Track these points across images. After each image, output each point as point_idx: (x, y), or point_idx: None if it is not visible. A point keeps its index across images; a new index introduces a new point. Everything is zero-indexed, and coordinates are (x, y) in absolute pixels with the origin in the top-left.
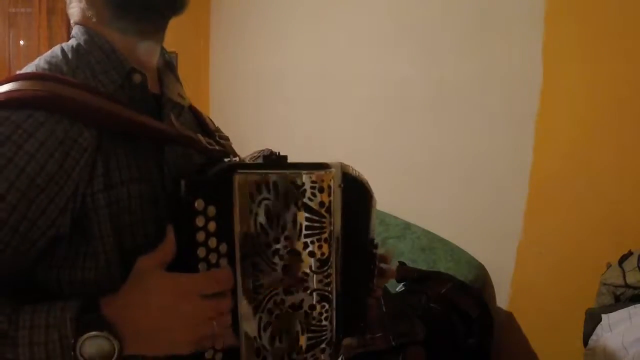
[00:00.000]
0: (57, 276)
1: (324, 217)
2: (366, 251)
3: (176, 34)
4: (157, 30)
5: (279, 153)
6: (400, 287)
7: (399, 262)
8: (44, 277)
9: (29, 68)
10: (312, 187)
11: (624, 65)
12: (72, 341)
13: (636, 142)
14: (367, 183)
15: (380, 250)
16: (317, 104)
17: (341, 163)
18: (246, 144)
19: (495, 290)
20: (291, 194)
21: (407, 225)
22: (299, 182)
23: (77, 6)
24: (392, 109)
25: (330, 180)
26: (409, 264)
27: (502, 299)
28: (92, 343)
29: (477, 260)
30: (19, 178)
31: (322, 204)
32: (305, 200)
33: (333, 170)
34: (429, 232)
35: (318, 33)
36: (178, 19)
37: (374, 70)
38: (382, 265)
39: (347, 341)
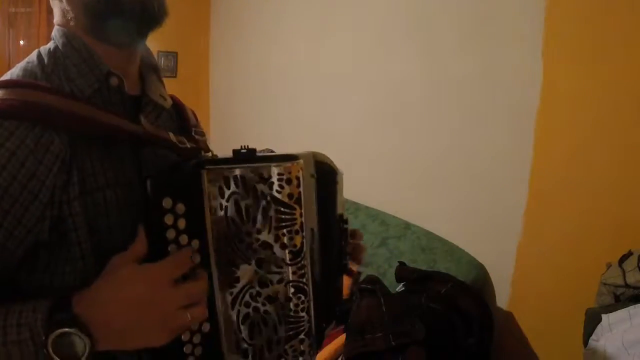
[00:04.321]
0: (39, 282)
1: (294, 208)
2: (338, 230)
3: (176, 34)
4: (134, 40)
5: (247, 146)
6: (400, 287)
7: (399, 262)
8: (25, 283)
9: (6, 76)
10: (280, 179)
11: (623, 65)
12: (43, 339)
13: (636, 142)
14: (332, 162)
15: (380, 251)
16: (318, 103)
17: (312, 152)
18: (246, 144)
19: (495, 290)
20: (259, 188)
21: (407, 225)
22: (265, 175)
23: (57, 5)
24: (392, 108)
25: (298, 171)
26: (409, 264)
27: (502, 299)
28: (64, 340)
29: (477, 260)
30: None
31: (290, 195)
32: (274, 192)
33: (301, 161)
34: (429, 232)
35: (318, 33)
36: (178, 19)
37: (374, 69)
38: (352, 241)
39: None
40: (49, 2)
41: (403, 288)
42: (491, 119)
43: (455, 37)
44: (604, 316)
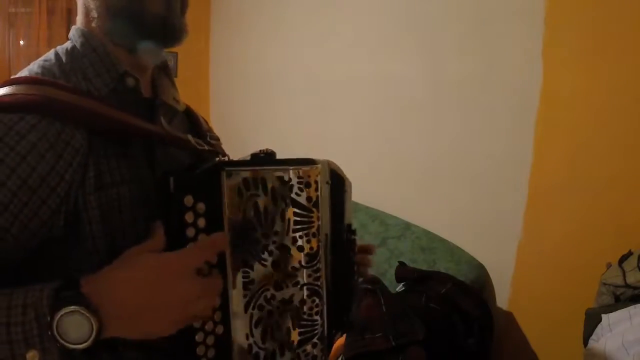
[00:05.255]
0: (49, 277)
1: (312, 211)
2: (347, 240)
3: None
4: (151, 52)
5: (267, 150)
6: (400, 287)
7: (399, 262)
8: (37, 278)
9: (23, 72)
10: (299, 183)
11: (623, 65)
12: (49, 319)
13: (636, 142)
14: (341, 170)
15: (380, 251)
16: (318, 104)
17: (328, 160)
18: (246, 144)
19: (495, 290)
20: (279, 190)
21: (407, 225)
22: (286, 178)
23: (81, 3)
24: (392, 108)
25: (317, 175)
26: (409, 264)
27: (502, 299)
28: (70, 321)
29: (477, 260)
30: (10, 179)
31: (309, 199)
32: (293, 195)
33: (319, 165)
34: (429, 232)
35: (319, 33)
36: None
37: (374, 70)
38: (361, 255)
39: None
40: (49, 2)
41: (403, 288)
42: (491, 119)
43: (455, 37)
44: (604, 316)
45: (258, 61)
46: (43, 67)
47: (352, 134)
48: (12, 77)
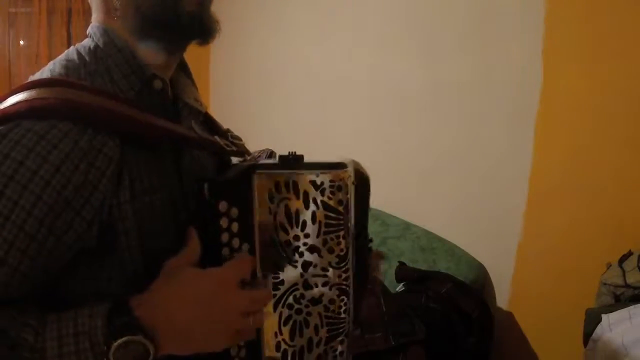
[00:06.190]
0: (81, 289)
1: (342, 214)
2: (367, 245)
3: None
4: (181, 50)
5: (294, 153)
6: (400, 287)
7: (399, 262)
8: (69, 289)
9: (43, 73)
10: (331, 186)
11: (623, 65)
12: (105, 348)
13: (636, 142)
14: (363, 168)
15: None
16: (318, 103)
17: (353, 160)
18: (247, 143)
19: (495, 290)
20: (311, 193)
21: (407, 225)
22: (318, 182)
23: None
24: (392, 108)
25: (348, 178)
26: (409, 264)
27: (502, 299)
28: (127, 348)
29: (477, 260)
30: (44, 191)
31: (340, 202)
32: (324, 198)
33: (349, 169)
34: (429, 232)
35: (319, 32)
36: None
37: (374, 69)
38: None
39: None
40: (49, 2)
41: (403, 288)
42: (491, 119)
43: (455, 37)
44: (604, 316)
45: (258, 60)
46: (67, 68)
47: (352, 133)
48: (31, 78)
